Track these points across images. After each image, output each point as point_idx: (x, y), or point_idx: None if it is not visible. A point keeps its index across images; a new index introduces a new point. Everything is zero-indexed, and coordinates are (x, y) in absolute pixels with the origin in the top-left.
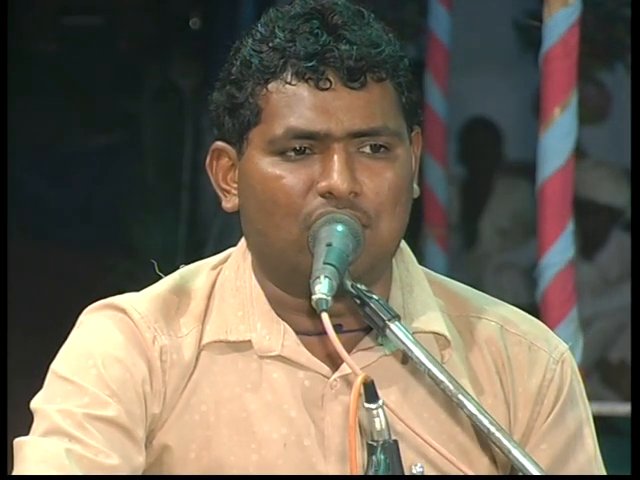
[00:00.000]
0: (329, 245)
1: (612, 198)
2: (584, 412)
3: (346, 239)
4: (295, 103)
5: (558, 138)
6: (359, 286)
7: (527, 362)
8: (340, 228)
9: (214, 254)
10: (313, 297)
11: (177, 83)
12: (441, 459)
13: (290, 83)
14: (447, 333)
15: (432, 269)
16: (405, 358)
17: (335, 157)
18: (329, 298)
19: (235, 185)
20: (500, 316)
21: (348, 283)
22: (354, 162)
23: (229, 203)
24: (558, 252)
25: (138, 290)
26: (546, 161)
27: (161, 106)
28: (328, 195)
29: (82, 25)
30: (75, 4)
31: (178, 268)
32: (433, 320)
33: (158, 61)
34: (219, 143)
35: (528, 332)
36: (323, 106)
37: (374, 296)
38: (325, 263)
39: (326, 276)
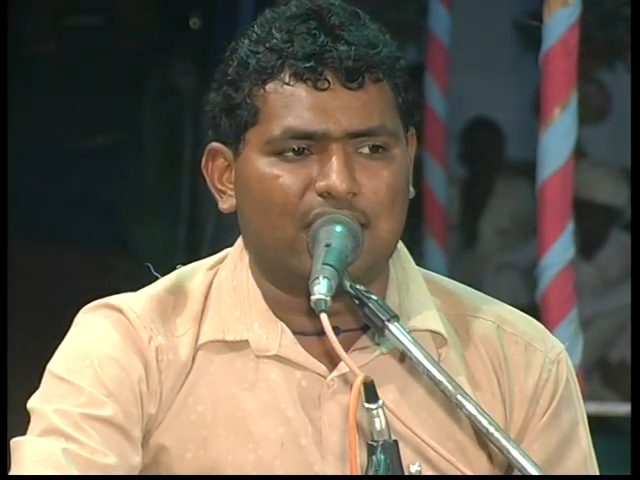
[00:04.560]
0: (328, 246)
1: (612, 198)
2: (579, 412)
3: (345, 240)
4: (293, 103)
5: (558, 138)
6: (358, 286)
7: (524, 362)
8: (339, 229)
9: (210, 255)
10: (312, 298)
11: (177, 83)
12: (440, 458)
13: (288, 84)
14: (443, 331)
15: (432, 269)
16: (403, 356)
17: (334, 157)
18: (328, 299)
19: (231, 186)
20: (497, 315)
21: (347, 283)
22: (352, 162)
23: (225, 204)
24: (558, 252)
25: (137, 290)
26: (546, 161)
27: (161, 106)
28: (326, 195)
29: (82, 25)
30: (75, 4)
31: (177, 268)
32: (429, 318)
33: (158, 61)
34: (215, 144)
35: (525, 332)
36: (321, 106)
37: (373, 296)
38: (324, 264)
39: (325, 277)
